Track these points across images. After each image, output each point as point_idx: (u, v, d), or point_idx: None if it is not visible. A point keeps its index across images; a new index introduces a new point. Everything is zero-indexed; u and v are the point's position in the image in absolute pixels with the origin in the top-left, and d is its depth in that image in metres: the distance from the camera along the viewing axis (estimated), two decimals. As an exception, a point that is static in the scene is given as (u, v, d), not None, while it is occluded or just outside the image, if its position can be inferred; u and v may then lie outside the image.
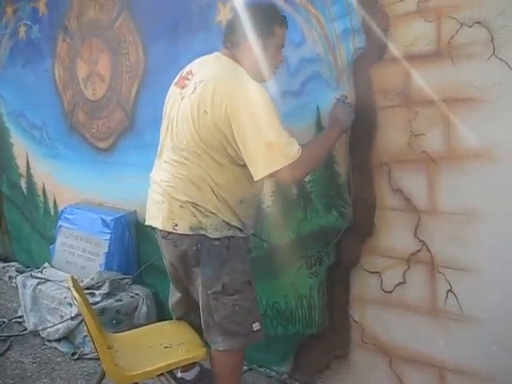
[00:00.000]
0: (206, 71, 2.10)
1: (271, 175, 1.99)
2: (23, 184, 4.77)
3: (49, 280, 3.67)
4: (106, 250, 3.50)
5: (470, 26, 1.99)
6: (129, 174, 3.58)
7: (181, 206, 2.06)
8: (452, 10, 2.03)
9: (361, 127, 2.33)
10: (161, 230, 2.14)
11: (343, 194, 2.44)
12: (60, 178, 4.28)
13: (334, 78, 2.39)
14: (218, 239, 2.06)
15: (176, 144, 2.10)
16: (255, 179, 2.02)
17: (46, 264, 3.95)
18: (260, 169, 1.98)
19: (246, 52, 2.11)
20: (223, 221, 2.07)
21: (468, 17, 1.99)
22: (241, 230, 2.14)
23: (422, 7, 2.11)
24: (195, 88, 2.05)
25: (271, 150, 1.94)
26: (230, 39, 2.17)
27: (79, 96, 3.97)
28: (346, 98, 2.28)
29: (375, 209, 2.36)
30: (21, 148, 4.73)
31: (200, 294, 2.12)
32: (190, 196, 2.05)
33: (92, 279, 3.33)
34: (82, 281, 3.31)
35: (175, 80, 2.27)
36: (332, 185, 2.47)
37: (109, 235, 3.50)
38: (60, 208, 4.18)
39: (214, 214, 2.06)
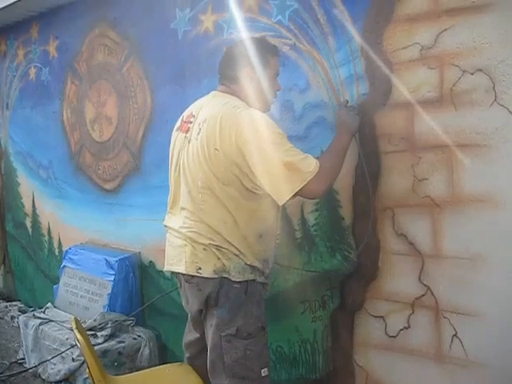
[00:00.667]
0: (208, 110, 2.11)
1: (295, 194, 1.97)
2: (28, 223, 4.79)
3: (51, 320, 3.64)
4: (110, 291, 3.47)
5: (472, 73, 2.04)
6: (134, 215, 3.60)
7: (204, 249, 2.04)
8: (454, 57, 2.07)
9: (365, 172, 2.35)
10: (184, 274, 2.11)
11: (347, 238, 2.44)
12: (65, 218, 4.29)
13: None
14: (238, 282, 2.04)
15: (191, 188, 2.08)
16: (281, 203, 2.01)
17: (49, 304, 3.92)
18: (284, 192, 1.96)
19: (244, 85, 2.14)
20: (245, 263, 2.06)
21: (470, 64, 2.04)
22: (262, 272, 2.12)
23: (425, 54, 2.15)
24: (200, 128, 2.06)
25: (290, 170, 1.93)
26: (225, 76, 2.20)
27: (86, 137, 4.01)
28: (348, 101, 2.31)
29: (379, 253, 2.36)
30: (27, 188, 4.77)
31: (211, 335, 2.09)
32: (212, 239, 2.03)
33: (95, 320, 3.31)
34: (85, 322, 3.29)
35: (177, 126, 2.29)
36: (336, 229, 2.48)
37: (113, 276, 3.49)
38: (64, 248, 4.17)
39: (236, 255, 2.04)
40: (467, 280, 2.09)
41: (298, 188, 1.94)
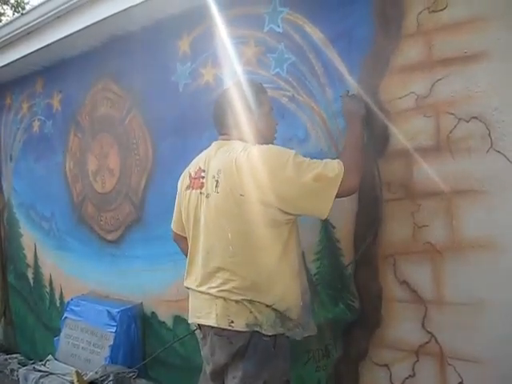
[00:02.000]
0: (218, 161, 2.08)
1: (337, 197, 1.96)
2: (30, 275, 4.77)
3: (52, 373, 3.59)
4: (112, 343, 3.44)
5: (468, 121, 2.08)
6: (136, 266, 3.60)
7: (236, 303, 2.00)
8: (449, 105, 2.12)
9: (365, 220, 2.37)
10: (213, 327, 2.05)
11: (349, 287, 2.44)
12: (67, 270, 4.29)
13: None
14: (268, 336, 2.00)
15: (215, 245, 2.05)
16: (324, 217, 1.99)
17: (50, 356, 3.88)
18: (323, 205, 1.95)
19: (244, 128, 2.14)
20: (278, 314, 2.02)
21: (465, 112, 2.08)
22: (296, 325, 2.08)
23: (421, 103, 2.20)
24: (217, 181, 2.03)
25: (320, 181, 1.92)
26: (223, 125, 2.21)
27: (88, 188, 4.05)
28: (348, 91, 2.34)
29: (382, 300, 2.35)
30: (29, 239, 4.77)
31: None
32: (245, 294, 1.99)
33: (96, 373, 3.26)
34: (86, 374, 3.25)
35: (185, 184, 2.25)
36: (338, 277, 2.48)
37: (114, 328, 3.46)
38: (66, 299, 4.15)
39: (269, 306, 2.00)
40: (470, 326, 2.09)
41: (335, 193, 1.94)
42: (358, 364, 2.44)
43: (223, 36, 2.95)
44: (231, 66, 2.90)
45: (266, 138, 2.18)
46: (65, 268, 4.32)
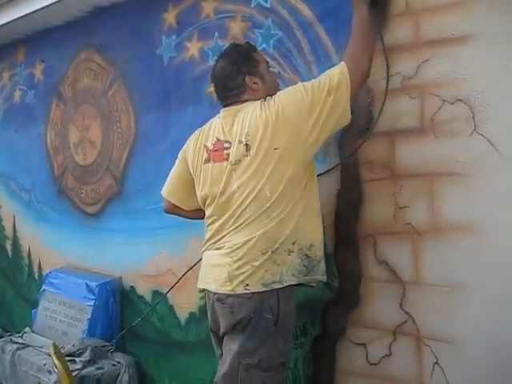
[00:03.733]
0: (241, 126, 2.08)
1: (353, 94, 2.02)
2: (8, 246, 4.73)
3: (29, 345, 3.58)
4: (90, 316, 3.43)
5: (452, 103, 2.08)
6: (116, 240, 3.58)
7: (259, 256, 1.99)
8: (434, 87, 2.12)
9: (346, 199, 2.37)
10: (216, 293, 2.06)
11: (329, 265, 2.44)
12: (46, 242, 4.26)
13: (320, 152, 2.41)
14: (270, 313, 1.98)
15: (249, 207, 2.02)
16: (349, 121, 2.06)
17: (27, 329, 3.86)
18: (344, 111, 2.01)
19: (252, 91, 2.15)
20: (303, 257, 2.02)
21: (450, 94, 2.08)
22: (320, 264, 2.09)
23: (406, 84, 2.20)
24: (247, 144, 2.03)
25: (331, 94, 1.98)
26: (229, 94, 2.19)
27: (70, 161, 4.01)
28: None
29: (361, 280, 2.36)
30: (8, 210, 4.72)
31: (230, 360, 2.02)
32: (271, 245, 1.99)
33: (73, 346, 3.25)
34: (64, 347, 3.24)
35: (202, 158, 2.20)
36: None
37: (93, 301, 3.44)
38: (44, 272, 4.13)
39: (293, 246, 2.00)
40: (448, 308, 2.10)
41: (348, 94, 1.99)
42: (336, 343, 2.46)
43: (209, 9, 2.91)
44: (217, 40, 2.87)
45: (271, 93, 2.14)
46: (44, 240, 4.29)
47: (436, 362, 2.14)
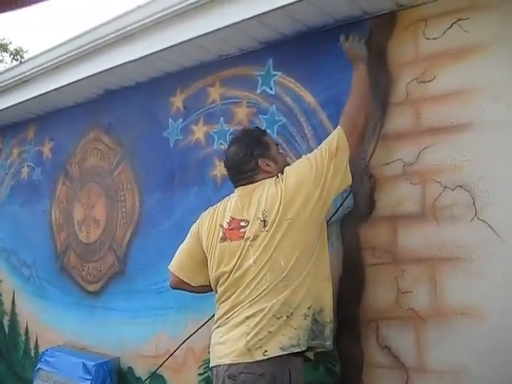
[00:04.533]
0: (258, 203, 2.14)
1: (351, 154, 2.13)
2: (6, 322, 4.65)
3: (21, 428, 3.48)
4: (85, 398, 3.35)
5: (453, 189, 2.13)
6: (115, 319, 3.53)
7: (275, 321, 1.99)
8: (435, 173, 2.17)
9: (349, 283, 2.37)
10: (230, 368, 2.00)
11: (331, 350, 2.41)
12: (45, 319, 4.19)
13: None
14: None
15: (264, 279, 2.04)
16: (350, 183, 2.17)
17: (20, 410, 3.77)
18: (346, 172, 2.12)
19: (264, 172, 2.22)
20: (314, 321, 2.05)
21: (450, 180, 2.13)
22: (329, 328, 2.12)
23: (407, 170, 2.25)
24: (264, 220, 2.08)
25: (332, 158, 2.09)
26: (243, 178, 2.25)
27: (73, 238, 4.02)
28: (346, 36, 2.35)
29: (363, 366, 2.33)
30: (8, 285, 4.68)
31: None
32: (287, 310, 2.00)
33: (67, 429, 3.17)
34: (56, 432, 3.15)
35: (217, 236, 2.23)
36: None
37: (89, 381, 3.34)
38: (41, 349, 4.05)
39: (308, 311, 2.02)
40: (452, 395, 2.06)
41: (347, 156, 2.12)
42: (338, 431, 2.39)
43: (216, 95, 3.01)
44: (222, 124, 2.95)
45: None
46: (42, 317, 4.22)
47: None
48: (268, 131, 2.68)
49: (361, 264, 2.35)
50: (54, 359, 3.75)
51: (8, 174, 4.81)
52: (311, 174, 2.08)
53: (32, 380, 3.86)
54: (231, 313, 2.10)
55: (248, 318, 2.02)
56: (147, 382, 3.25)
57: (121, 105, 3.66)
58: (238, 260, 2.12)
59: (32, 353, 4.30)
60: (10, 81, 3.98)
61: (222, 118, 2.99)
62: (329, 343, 2.13)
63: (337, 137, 2.12)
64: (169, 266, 2.43)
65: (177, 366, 2.84)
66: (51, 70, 3.64)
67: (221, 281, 2.19)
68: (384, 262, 2.29)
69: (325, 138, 2.48)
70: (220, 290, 2.19)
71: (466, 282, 2.08)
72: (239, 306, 2.08)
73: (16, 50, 19.55)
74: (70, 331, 3.91)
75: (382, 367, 2.28)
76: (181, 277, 2.39)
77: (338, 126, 2.15)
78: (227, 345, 2.06)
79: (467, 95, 2.14)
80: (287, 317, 1.99)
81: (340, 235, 2.43)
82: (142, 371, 3.33)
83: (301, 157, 2.55)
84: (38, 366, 3.83)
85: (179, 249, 2.43)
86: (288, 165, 2.28)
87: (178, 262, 2.41)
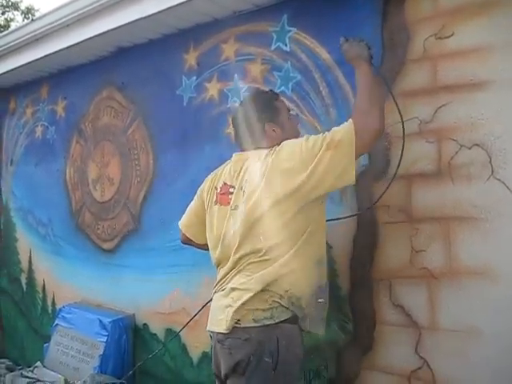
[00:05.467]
0: (245, 173, 2.12)
1: (359, 154, 1.95)
2: (23, 279, 4.75)
3: (39, 380, 3.57)
4: (102, 353, 3.41)
5: (469, 148, 2.10)
6: (130, 276, 3.59)
7: (252, 298, 1.99)
8: (452, 132, 2.14)
9: (362, 242, 2.37)
10: (218, 334, 2.07)
11: (344, 308, 2.43)
12: (61, 276, 4.27)
13: (337, 194, 2.45)
14: (270, 356, 1.96)
15: (244, 252, 2.05)
16: (353, 181, 1.95)
17: (38, 363, 3.85)
18: (348, 170, 1.93)
19: (269, 140, 2.15)
20: (291, 301, 2.01)
21: (467, 139, 2.10)
22: (305, 314, 2.06)
23: (423, 129, 2.22)
24: (244, 191, 2.08)
25: (330, 149, 1.91)
26: (245, 140, 2.22)
27: (88, 197, 4.05)
28: (346, 38, 2.26)
29: (375, 324, 2.34)
30: (25, 244, 4.75)
31: None
32: (265, 288, 1.99)
33: (84, 382, 3.23)
34: (74, 383, 3.22)
35: (213, 199, 2.25)
36: (333, 297, 2.46)
37: (105, 337, 3.43)
38: (58, 306, 4.14)
39: (285, 293, 2.00)
40: (464, 353, 2.08)
41: (352, 153, 1.91)
42: (349, 387, 2.43)
43: (229, 52, 2.97)
44: (236, 82, 2.92)
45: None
46: (59, 274, 4.30)
47: (452, 410, 2.10)
48: (283, 88, 2.66)
49: (375, 223, 2.35)
50: (71, 316, 3.83)
51: (22, 133, 4.83)
52: (300, 156, 1.96)
53: (50, 336, 3.95)
54: (224, 279, 2.13)
55: (233, 289, 2.05)
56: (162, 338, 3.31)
57: (134, 62, 3.64)
58: (224, 226, 2.14)
59: (49, 309, 4.39)
60: (22, 39, 3.97)
61: (235, 76, 2.95)
62: (307, 327, 2.11)
63: (344, 129, 1.95)
64: (179, 222, 2.48)
65: (191, 322, 2.88)
66: (63, 27, 3.61)
67: (213, 244, 2.23)
68: (398, 220, 2.28)
69: (340, 96, 2.48)
70: (215, 254, 2.22)
71: (480, 241, 2.07)
72: (228, 274, 2.11)
73: (27, 8, 19.44)
74: (86, 288, 3.97)
75: (395, 325, 2.29)
76: (187, 234, 2.46)
77: (350, 119, 1.97)
78: (216, 313, 2.12)
79: (486, 52, 2.09)
80: (263, 292, 1.99)
81: (354, 193, 2.41)
82: (156, 328, 3.39)
83: (315, 115, 2.56)
84: (56, 322, 3.92)
85: (188, 207, 2.47)
86: (298, 133, 2.26)
87: (185, 220, 2.48)
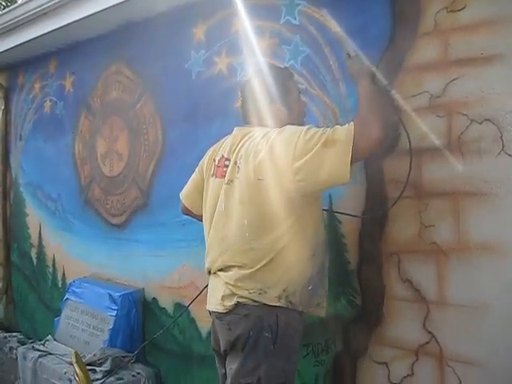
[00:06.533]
0: (241, 148, 2.10)
1: (355, 160, 1.88)
2: (34, 254, 4.79)
3: (50, 353, 3.62)
4: (111, 327, 3.45)
5: (480, 123, 2.07)
6: (139, 251, 3.61)
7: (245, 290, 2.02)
8: (462, 106, 2.11)
9: (372, 217, 2.36)
10: (215, 312, 2.10)
11: (352, 282, 2.44)
12: (71, 251, 4.30)
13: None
14: (270, 331, 1.98)
15: (233, 232, 2.06)
16: (346, 182, 1.91)
17: (49, 337, 3.90)
18: (340, 170, 1.87)
19: (274, 121, 2.13)
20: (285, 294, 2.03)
21: (478, 113, 2.07)
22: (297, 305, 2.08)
23: (434, 103, 2.19)
24: (238, 166, 2.06)
25: (328, 146, 1.87)
26: (249, 114, 2.21)
27: (96, 171, 4.06)
28: (349, 54, 2.31)
29: (384, 298, 2.35)
30: (35, 218, 4.79)
31: (230, 379, 2.03)
32: (255, 285, 2.01)
33: (94, 355, 3.28)
34: (84, 356, 3.26)
35: (210, 171, 2.26)
36: (341, 272, 2.48)
37: (115, 311, 3.47)
38: (68, 281, 4.17)
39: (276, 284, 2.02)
40: (472, 328, 2.08)
41: (349, 154, 1.85)
42: (357, 361, 2.44)
43: (239, 25, 2.94)
44: (245, 56, 2.90)
45: (295, 123, 2.12)
46: (68, 249, 4.33)
47: (459, 384, 2.11)
48: (292, 62, 2.64)
49: (384, 197, 2.34)
50: (81, 290, 3.86)
51: (31, 108, 4.83)
52: (296, 146, 1.91)
53: (60, 310, 4.00)
54: (219, 256, 2.13)
55: (226, 269, 2.08)
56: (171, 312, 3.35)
57: (142, 37, 3.61)
58: (217, 200, 2.15)
59: (60, 284, 4.44)
60: (30, 13, 3.94)
61: (244, 50, 2.92)
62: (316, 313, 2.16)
63: (345, 129, 1.89)
64: (180, 192, 2.52)
65: (200, 296, 2.89)
66: (71, 1, 3.58)
67: (206, 216, 2.24)
68: (408, 195, 2.26)
69: (350, 71, 2.45)
70: (207, 228, 2.23)
71: (490, 216, 2.05)
72: (222, 251, 2.12)
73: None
74: (96, 263, 4.01)
75: (403, 300, 2.29)
76: (186, 204, 2.50)
77: (352, 122, 1.92)
78: (212, 293, 2.15)
79: (498, 26, 2.05)
80: (259, 289, 2.01)
81: (363, 168, 2.40)
82: (166, 302, 3.42)
83: (324, 89, 2.53)
84: (66, 296, 3.96)
85: (190, 178, 2.49)
86: (304, 115, 2.26)
87: (185, 190, 2.51)
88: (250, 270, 2.02)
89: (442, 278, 2.17)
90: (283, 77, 2.22)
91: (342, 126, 1.93)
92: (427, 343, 2.21)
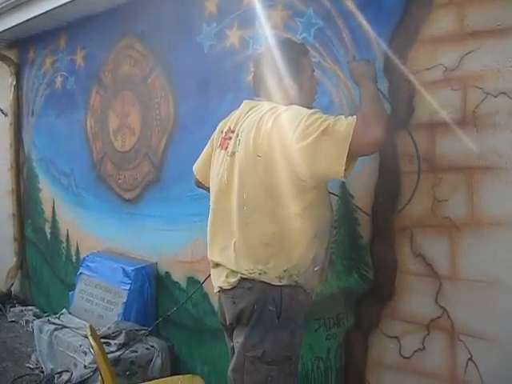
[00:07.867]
0: (245, 120, 2.07)
1: (353, 155, 1.81)
2: (47, 229, 4.84)
3: (65, 326, 3.67)
4: (125, 300, 3.50)
5: (496, 96, 2.03)
6: (152, 225, 3.63)
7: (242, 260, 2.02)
8: (478, 79, 2.07)
9: (385, 191, 2.35)
10: (221, 288, 2.10)
11: (365, 257, 2.43)
12: (84, 226, 4.34)
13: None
14: (274, 305, 1.98)
15: (234, 205, 2.05)
16: (341, 177, 1.82)
17: (64, 310, 3.96)
18: (336, 162, 1.80)
19: (282, 95, 2.09)
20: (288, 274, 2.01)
21: (493, 87, 2.04)
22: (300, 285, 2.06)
23: (448, 76, 2.16)
24: (240, 139, 2.03)
25: (327, 135, 1.80)
26: (260, 87, 2.18)
27: (108, 147, 4.07)
28: (355, 56, 2.29)
29: (396, 273, 2.34)
30: (48, 194, 4.82)
31: (237, 352, 2.04)
32: (256, 266, 1.99)
33: (109, 328, 3.32)
34: (99, 329, 3.30)
35: (218, 142, 2.23)
36: (354, 247, 2.47)
37: (129, 285, 3.51)
38: (82, 255, 4.22)
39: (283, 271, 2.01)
40: (484, 303, 2.07)
41: (346, 149, 1.78)
42: (369, 334, 2.45)
43: (251, -3, 2.91)
44: (258, 28, 2.86)
45: (305, 101, 2.09)
46: (82, 224, 4.37)
47: (470, 359, 2.11)
48: (304, 35, 2.60)
49: (397, 171, 2.32)
50: (94, 264, 3.91)
51: (42, 83, 4.84)
52: (297, 129, 1.85)
53: (75, 284, 4.04)
54: (224, 232, 2.13)
55: (225, 248, 2.08)
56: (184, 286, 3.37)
57: (153, 10, 3.58)
58: (220, 171, 2.13)
59: (73, 258, 4.49)
60: (39, -13, 3.92)
61: (256, 22, 2.88)
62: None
63: (345, 122, 1.82)
64: (193, 166, 2.51)
65: (212, 271, 2.92)
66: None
67: (211, 187, 2.23)
68: (421, 169, 2.25)
69: (364, 43, 2.42)
70: (211, 198, 2.23)
71: (504, 191, 2.03)
72: (225, 227, 2.11)
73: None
74: (109, 238, 4.04)
75: (415, 275, 2.29)
76: (198, 177, 2.48)
77: (354, 116, 1.83)
78: (217, 270, 2.15)
79: (516, -4, 2.01)
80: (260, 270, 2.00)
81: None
82: (179, 276, 3.44)
83: (337, 62, 2.51)
84: (80, 270, 4.01)
85: (203, 151, 2.47)
86: (315, 94, 2.22)
87: (197, 163, 2.49)
88: (246, 246, 2.02)
89: (454, 253, 2.16)
90: (298, 53, 2.16)
91: (348, 116, 1.87)
92: (439, 318, 2.20)
